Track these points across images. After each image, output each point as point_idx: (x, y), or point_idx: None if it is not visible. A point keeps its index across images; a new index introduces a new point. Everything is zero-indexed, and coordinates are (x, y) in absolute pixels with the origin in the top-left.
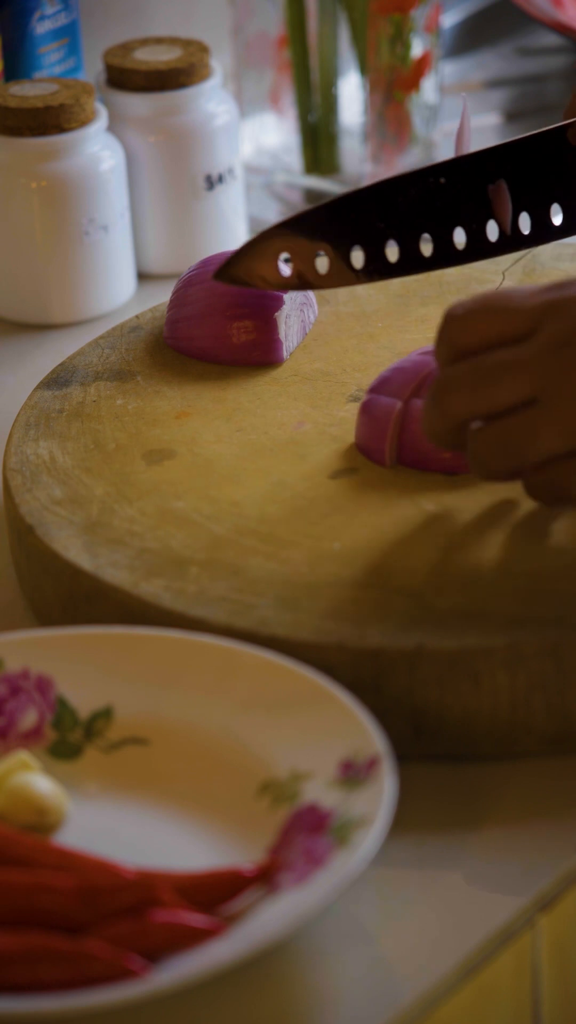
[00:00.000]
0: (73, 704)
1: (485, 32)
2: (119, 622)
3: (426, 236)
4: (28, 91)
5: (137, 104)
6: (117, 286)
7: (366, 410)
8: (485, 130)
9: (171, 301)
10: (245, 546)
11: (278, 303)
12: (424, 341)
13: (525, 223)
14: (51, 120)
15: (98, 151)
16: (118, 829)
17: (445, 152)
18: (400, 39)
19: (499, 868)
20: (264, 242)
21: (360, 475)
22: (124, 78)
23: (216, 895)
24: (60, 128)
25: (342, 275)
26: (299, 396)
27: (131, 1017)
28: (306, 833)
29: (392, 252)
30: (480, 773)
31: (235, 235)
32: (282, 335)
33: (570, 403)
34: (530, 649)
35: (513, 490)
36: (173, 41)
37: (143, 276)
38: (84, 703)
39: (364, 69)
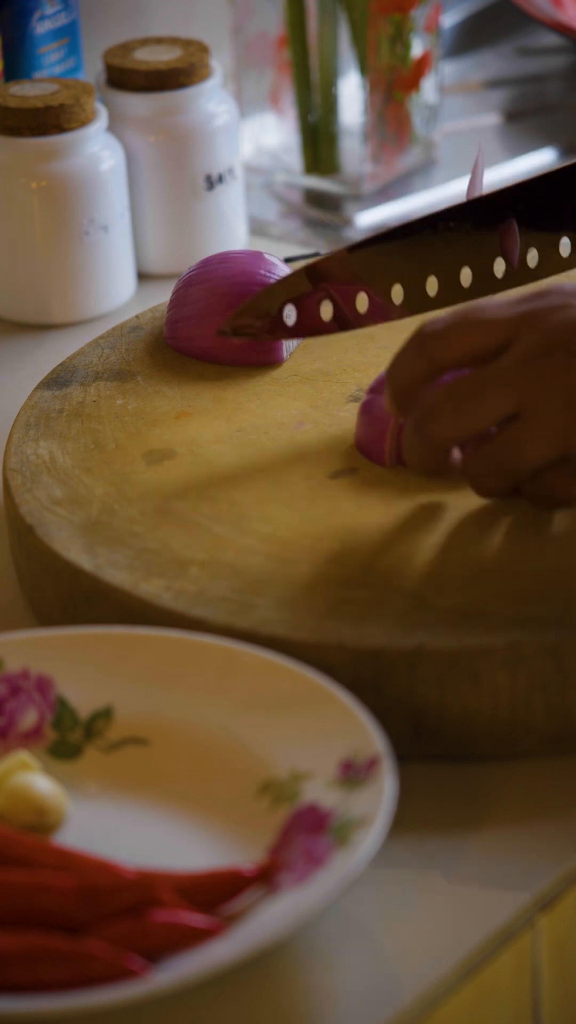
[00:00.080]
0: (73, 704)
1: (485, 32)
2: (119, 622)
3: (432, 279)
4: (28, 91)
5: (137, 104)
6: (117, 286)
7: (366, 410)
8: (485, 130)
9: (171, 301)
10: (245, 546)
11: None
12: None
13: (533, 258)
14: (51, 120)
15: (98, 151)
16: (118, 829)
17: (445, 152)
18: (400, 39)
19: (499, 868)
20: (270, 293)
21: (360, 475)
22: (124, 78)
23: (216, 895)
24: (60, 128)
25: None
26: (299, 396)
27: (131, 1017)
28: (306, 833)
29: (397, 294)
30: (480, 773)
31: (235, 235)
32: None
33: (552, 412)
34: (530, 649)
35: None
36: (173, 41)
37: (143, 276)
38: (84, 703)
39: (364, 69)
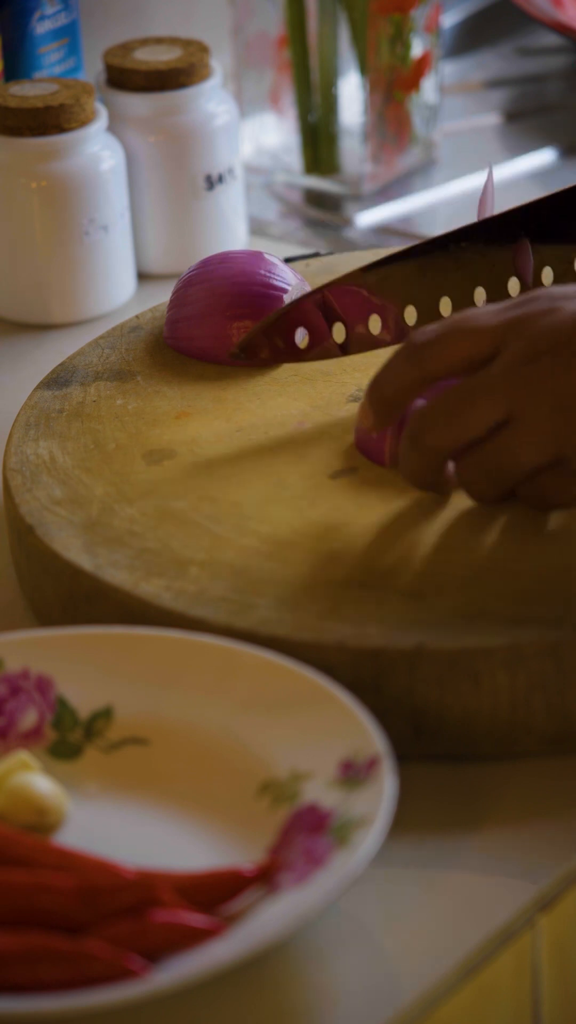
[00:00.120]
0: (73, 704)
1: (485, 32)
2: (119, 622)
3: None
4: (28, 91)
5: (137, 104)
6: (117, 286)
7: None
8: (485, 130)
9: (171, 301)
10: (245, 546)
11: (278, 303)
12: None
13: (548, 276)
14: (51, 120)
15: (98, 151)
16: (118, 829)
17: (445, 152)
18: (400, 39)
19: (499, 868)
20: (284, 316)
21: (360, 475)
22: (124, 78)
23: (216, 895)
24: (60, 128)
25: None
26: (299, 396)
27: (131, 1017)
28: (306, 833)
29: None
30: (480, 773)
31: (235, 235)
32: None
33: (541, 416)
34: (530, 649)
35: None
36: (173, 41)
37: (143, 276)
38: (84, 703)
39: (364, 69)
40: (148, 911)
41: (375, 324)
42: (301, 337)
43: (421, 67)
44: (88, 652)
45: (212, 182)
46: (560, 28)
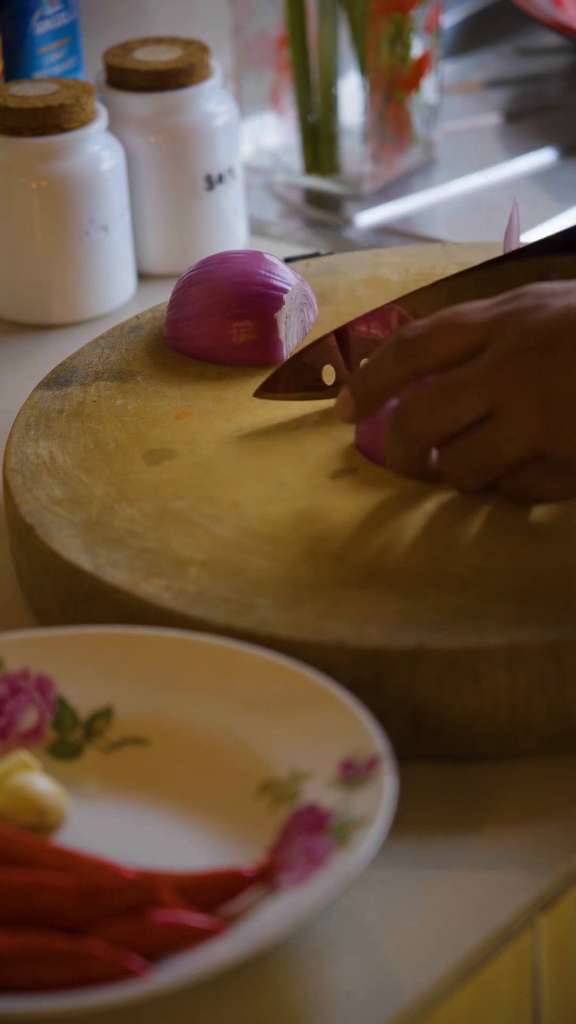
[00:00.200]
0: (73, 704)
1: (485, 32)
2: (119, 622)
3: None
4: (28, 91)
5: (137, 104)
6: (117, 286)
7: None
8: (485, 130)
9: (171, 301)
10: (245, 546)
11: (278, 303)
12: None
13: None
14: (51, 120)
15: (98, 151)
16: (118, 829)
17: (445, 152)
18: (400, 39)
19: (499, 868)
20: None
21: (360, 475)
22: (124, 78)
23: (216, 895)
24: (60, 128)
25: None
26: None
27: (131, 1017)
28: (306, 833)
29: None
30: (480, 773)
31: (235, 235)
32: (282, 335)
33: (525, 411)
34: (530, 649)
35: None
36: (173, 41)
37: (143, 276)
38: (84, 703)
39: (364, 69)
40: (148, 911)
41: None
42: (328, 374)
43: (421, 67)
44: (88, 652)
45: (212, 182)
46: (560, 28)
